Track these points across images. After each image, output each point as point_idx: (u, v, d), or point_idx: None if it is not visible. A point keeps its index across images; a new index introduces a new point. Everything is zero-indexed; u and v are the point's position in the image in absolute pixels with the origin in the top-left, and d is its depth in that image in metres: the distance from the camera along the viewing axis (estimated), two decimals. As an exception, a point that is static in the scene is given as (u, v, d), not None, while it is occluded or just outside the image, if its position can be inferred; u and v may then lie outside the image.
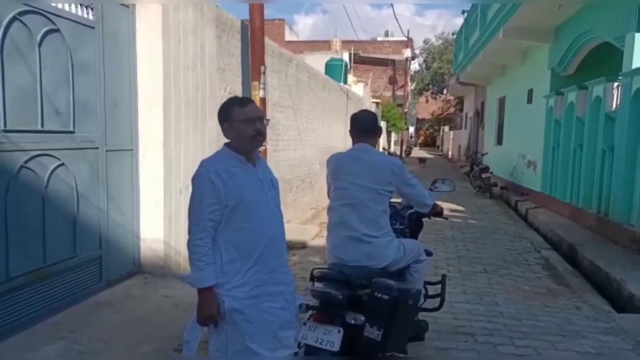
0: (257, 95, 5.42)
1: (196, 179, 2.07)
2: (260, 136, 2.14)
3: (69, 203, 3.46)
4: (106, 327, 3.29)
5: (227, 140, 2.19)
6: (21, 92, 3.03)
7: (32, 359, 2.81)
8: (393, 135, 28.97)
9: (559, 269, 5.69)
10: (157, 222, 4.24)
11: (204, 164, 2.10)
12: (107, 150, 3.80)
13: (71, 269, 3.47)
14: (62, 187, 3.37)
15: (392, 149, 26.54)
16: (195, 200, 2.06)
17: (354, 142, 2.92)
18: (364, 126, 2.89)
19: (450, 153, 30.47)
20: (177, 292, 4.05)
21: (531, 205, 9.68)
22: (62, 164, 3.36)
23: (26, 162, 3.07)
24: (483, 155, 14.65)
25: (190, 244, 2.05)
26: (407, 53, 27.52)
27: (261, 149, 5.41)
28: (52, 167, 3.28)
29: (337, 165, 2.88)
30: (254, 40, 5.50)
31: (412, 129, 45.59)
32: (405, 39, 28.73)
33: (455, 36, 21.25)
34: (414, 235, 3.33)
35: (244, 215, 2.06)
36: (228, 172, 2.06)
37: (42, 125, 3.19)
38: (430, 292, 3.35)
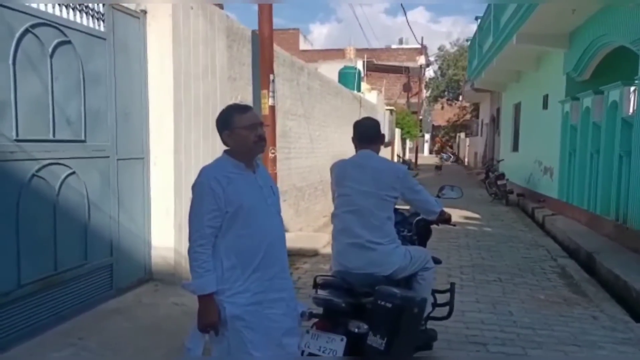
0: (266, 103, 5.45)
1: (196, 186, 2.09)
2: (262, 142, 2.16)
3: (80, 211, 3.51)
4: (115, 335, 3.31)
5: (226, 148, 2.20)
6: (33, 102, 3.09)
7: (41, 366, 2.84)
8: (408, 142, 28.85)
9: (576, 278, 5.56)
10: (168, 230, 4.27)
11: (203, 171, 2.11)
12: (118, 159, 3.85)
13: (82, 277, 3.51)
14: (74, 195, 3.42)
15: (407, 157, 26.41)
16: (195, 207, 2.07)
17: (356, 150, 2.92)
18: (365, 134, 2.88)
19: (466, 160, 30.19)
20: (187, 300, 4.05)
21: (548, 212, 9.51)
22: (74, 173, 3.42)
23: (38, 170, 3.13)
24: (499, 162, 14.48)
25: (190, 251, 2.06)
26: (422, 60, 27.46)
27: (270, 156, 5.51)
28: (63, 176, 3.33)
29: (340, 171, 2.88)
30: (263, 49, 5.54)
31: (427, 136, 45.35)
32: (419, 46, 28.67)
33: (469, 43, 21.13)
34: (423, 242, 3.29)
35: (244, 221, 2.06)
36: (227, 179, 2.06)
37: (54, 135, 3.25)
38: (440, 301, 3.30)
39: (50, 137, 3.23)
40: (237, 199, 2.05)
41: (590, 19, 8.10)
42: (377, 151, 2.91)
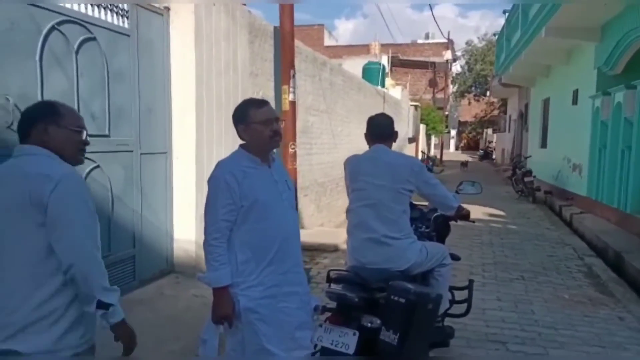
0: (286, 98, 5.47)
1: (211, 180, 2.12)
2: (277, 136, 2.17)
3: (104, 204, 3.60)
4: (137, 325, 3.33)
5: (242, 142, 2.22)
6: (59, 98, 3.16)
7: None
8: (433, 138, 28.50)
9: (603, 277, 5.41)
10: (190, 223, 4.35)
11: (219, 166, 2.14)
12: (141, 153, 3.94)
13: (106, 268, 3.59)
14: (98, 188, 3.51)
15: (431, 153, 26.10)
16: (210, 201, 2.10)
17: (369, 145, 2.90)
18: (378, 130, 2.87)
19: (494, 156, 29.64)
20: (207, 292, 4.07)
21: (576, 210, 9.27)
22: (98, 167, 3.51)
23: (63, 164, 3.22)
24: (526, 158, 14.17)
25: (206, 244, 2.09)
26: (448, 55, 27.04)
27: (290, 151, 5.53)
28: (88, 170, 3.43)
29: (354, 166, 2.87)
30: (284, 44, 5.56)
31: (454, 132, 44.68)
32: (446, 40, 28.25)
33: (496, 37, 20.70)
34: (441, 239, 3.25)
35: (259, 215, 2.08)
36: (243, 173, 2.08)
37: (79, 129, 3.33)
38: (458, 298, 3.27)
39: (76, 131, 3.31)
40: (252, 193, 2.07)
41: (623, 10, 7.82)
42: (390, 147, 2.89)
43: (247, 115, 2.15)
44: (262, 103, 2.21)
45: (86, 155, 3.30)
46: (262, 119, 2.13)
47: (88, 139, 1.78)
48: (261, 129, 2.12)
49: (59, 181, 1.55)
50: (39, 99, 3.02)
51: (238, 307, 2.07)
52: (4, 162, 1.66)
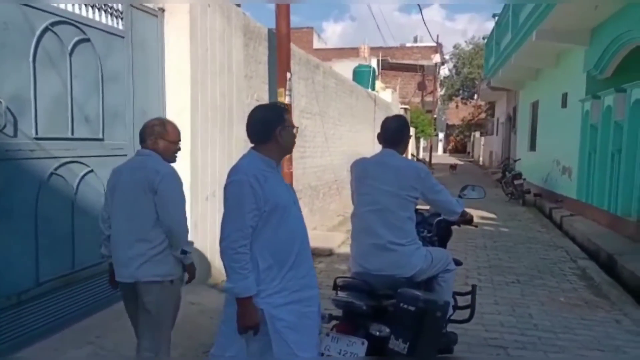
0: (283, 101, 5.42)
1: (233, 185, 2.01)
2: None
3: (98, 209, 3.46)
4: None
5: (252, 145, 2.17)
6: (52, 100, 3.10)
7: (59, 363, 2.85)
8: (422, 141, 28.63)
9: (597, 280, 5.44)
10: (184, 228, 4.26)
11: (239, 169, 2.04)
12: (135, 157, 3.85)
13: (100, 275, 3.51)
14: (91, 193, 3.43)
15: (421, 156, 26.21)
16: (234, 206, 1.99)
17: (382, 147, 2.86)
18: (390, 134, 2.81)
19: (481, 159, 29.87)
20: (204, 299, 4.05)
21: (566, 212, 9.34)
22: (92, 171, 3.43)
23: (56, 168, 3.14)
24: (515, 161, 14.28)
25: (230, 252, 1.97)
26: (437, 58, 27.21)
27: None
28: (81, 174, 3.34)
29: (361, 170, 2.82)
30: (280, 47, 5.51)
31: (441, 135, 44.98)
32: (434, 44, 28.44)
33: (485, 40, 20.88)
34: (443, 243, 3.22)
35: (279, 220, 2.03)
36: (264, 177, 2.02)
37: (72, 133, 3.25)
38: (460, 303, 3.23)
39: (69, 135, 3.23)
40: (273, 197, 2.01)
41: (613, 15, 7.92)
42: (402, 153, 2.84)
43: (284, 117, 2.14)
44: (287, 108, 2.23)
45: (79, 159, 3.28)
46: (292, 123, 2.19)
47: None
48: (293, 132, 2.18)
49: (164, 175, 2.41)
50: (32, 101, 2.94)
51: (262, 315, 1.99)
52: (135, 158, 2.57)
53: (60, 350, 2.96)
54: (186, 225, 2.51)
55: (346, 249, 6.25)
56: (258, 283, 2.00)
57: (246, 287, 1.96)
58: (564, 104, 10.57)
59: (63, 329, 3.17)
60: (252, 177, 1.99)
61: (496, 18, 16.04)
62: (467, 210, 2.95)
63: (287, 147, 2.17)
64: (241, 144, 4.73)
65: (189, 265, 2.59)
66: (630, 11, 7.32)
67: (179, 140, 2.60)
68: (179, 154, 2.64)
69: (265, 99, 5.65)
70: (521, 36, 10.96)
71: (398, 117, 2.97)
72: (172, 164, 2.56)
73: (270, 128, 2.10)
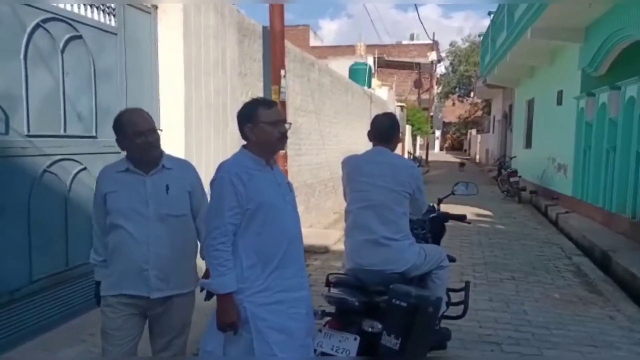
0: (276, 99, 5.41)
1: (216, 182, 2.01)
2: (284, 139, 2.12)
3: (91, 207, 3.48)
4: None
5: (244, 143, 2.15)
6: (44, 98, 3.08)
7: (52, 362, 2.84)
8: (419, 139, 28.66)
9: (591, 277, 5.46)
10: (178, 226, 4.26)
11: (224, 167, 2.04)
12: (128, 155, 3.84)
13: (93, 273, 3.50)
14: (85, 191, 3.41)
15: (417, 153, 26.24)
16: (215, 203, 2.00)
17: (373, 145, 2.86)
18: (381, 132, 2.82)
19: (477, 157, 29.93)
20: (197, 297, 4.04)
21: (561, 210, 9.37)
22: (85, 168, 3.41)
23: (49, 166, 3.12)
24: (511, 158, 14.31)
25: (210, 249, 1.98)
26: (433, 56, 27.20)
27: (280, 153, 5.47)
28: (74, 171, 3.33)
29: (354, 167, 2.82)
30: (274, 44, 5.50)
31: (438, 133, 45.02)
32: (430, 42, 28.45)
33: (481, 38, 20.91)
34: (437, 240, 3.23)
35: (264, 218, 2.01)
36: (248, 175, 2.00)
37: (65, 130, 3.24)
38: (454, 299, 3.24)
39: (62, 132, 3.22)
40: (257, 196, 1.99)
41: (607, 12, 7.93)
42: (392, 150, 2.85)
43: (256, 114, 2.07)
44: (271, 103, 2.17)
45: (72, 157, 3.26)
46: (271, 119, 2.07)
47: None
48: (270, 129, 2.06)
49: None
50: (24, 98, 2.93)
51: (245, 314, 1.98)
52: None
53: (52, 348, 2.95)
54: None
55: (341, 246, 6.26)
56: (242, 281, 1.98)
57: (222, 283, 1.95)
58: (559, 102, 10.60)
59: (56, 327, 3.16)
60: (235, 175, 1.97)
61: (492, 16, 16.06)
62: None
63: (264, 145, 2.08)
64: (235, 142, 4.71)
65: None
66: (624, 9, 7.34)
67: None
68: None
69: (260, 96, 5.64)
70: (516, 34, 10.98)
71: (389, 115, 3.01)
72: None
73: (240, 127, 2.10)
